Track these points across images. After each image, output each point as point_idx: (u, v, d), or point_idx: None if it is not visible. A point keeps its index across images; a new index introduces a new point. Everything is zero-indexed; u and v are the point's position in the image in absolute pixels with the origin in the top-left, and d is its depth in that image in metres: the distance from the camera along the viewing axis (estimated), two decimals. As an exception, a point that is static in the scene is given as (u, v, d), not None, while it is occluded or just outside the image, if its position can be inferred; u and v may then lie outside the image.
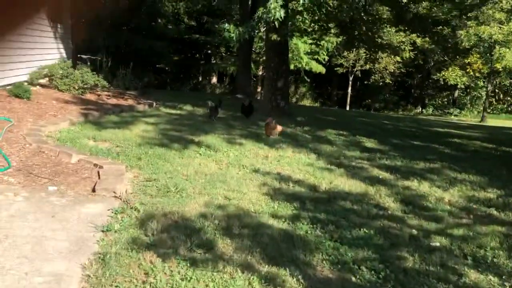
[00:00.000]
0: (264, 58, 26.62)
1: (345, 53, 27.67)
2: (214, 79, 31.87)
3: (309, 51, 26.58)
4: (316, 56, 26.94)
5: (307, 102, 31.62)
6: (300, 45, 26.12)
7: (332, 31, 15.62)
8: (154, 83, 28.44)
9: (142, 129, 8.96)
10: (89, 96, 12.19)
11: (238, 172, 6.54)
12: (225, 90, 30.72)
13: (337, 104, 33.23)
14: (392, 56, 26.47)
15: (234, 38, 9.77)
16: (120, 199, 5.07)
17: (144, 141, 7.87)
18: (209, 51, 30.40)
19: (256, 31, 10.32)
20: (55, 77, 11.89)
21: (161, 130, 9.04)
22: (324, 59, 27.08)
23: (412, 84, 35.26)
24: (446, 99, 34.92)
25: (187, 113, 11.88)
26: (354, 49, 27.48)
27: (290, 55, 26.87)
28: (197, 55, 31.71)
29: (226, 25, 10.38)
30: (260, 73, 28.83)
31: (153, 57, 24.70)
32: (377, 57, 26.73)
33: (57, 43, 13.94)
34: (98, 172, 5.81)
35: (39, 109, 9.51)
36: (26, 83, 11.80)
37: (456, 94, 32.74)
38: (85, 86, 12.14)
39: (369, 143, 9.88)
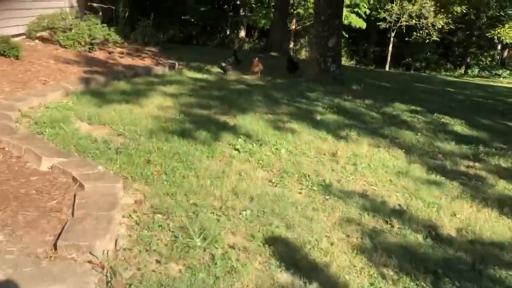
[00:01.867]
0: (298, 10, 23.55)
1: (389, 6, 24.27)
2: (243, 33, 28.82)
3: (348, 2, 23.32)
4: (356, 9, 23.71)
5: (342, 60, 28.50)
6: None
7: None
8: (179, 36, 25.80)
9: (158, 103, 6.44)
10: (98, 53, 9.66)
11: (300, 191, 4.03)
12: (254, 45, 27.74)
13: (374, 62, 30.00)
14: (442, 10, 23.03)
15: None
16: (102, 268, 2.66)
17: (158, 125, 5.38)
18: (238, 2, 27.28)
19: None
20: (56, 30, 9.38)
21: (182, 105, 6.51)
22: (365, 12, 23.84)
23: (453, 41, 31.62)
24: (491, 59, 31.32)
25: (216, 79, 9.25)
26: (399, 2, 24.09)
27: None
28: (225, 6, 28.60)
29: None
30: (293, 27, 25.73)
31: (178, 7, 21.84)
32: (426, 11, 23.36)
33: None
34: (75, 198, 3.38)
35: (26, 73, 7.05)
36: (22, 37, 9.36)
37: (506, 54, 29.20)
38: (93, 41, 9.61)
39: (457, 126, 7.19)
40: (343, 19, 23.97)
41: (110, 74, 8.02)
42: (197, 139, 4.98)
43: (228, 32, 28.92)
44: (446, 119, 7.54)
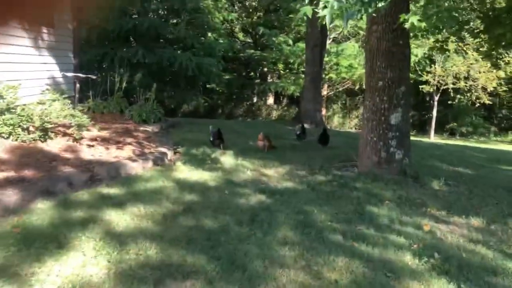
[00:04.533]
0: (330, 75, 20.15)
1: (432, 68, 20.70)
2: (271, 100, 25.67)
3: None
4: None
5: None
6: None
7: (470, 25, 8.96)
8: (203, 106, 22.82)
9: (76, 268, 2.87)
10: (55, 143, 6.26)
11: None
12: (283, 112, 24.51)
13: (413, 128, 26.14)
14: (495, 71, 19.30)
15: (319, 17, 3.61)
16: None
17: None
18: (265, 69, 24.30)
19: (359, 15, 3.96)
20: (-5, 111, 6.11)
21: (123, 274, 2.91)
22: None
23: (495, 103, 27.52)
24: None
25: (220, 179, 5.66)
26: (441, 63, 20.49)
27: (362, 71, 20.36)
28: (252, 73, 25.71)
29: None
30: (325, 92, 22.38)
31: (201, 76, 18.91)
32: (474, 72, 19.67)
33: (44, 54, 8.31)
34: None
35: None
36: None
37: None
38: (49, 125, 6.25)
39: None
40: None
41: (40, 185, 4.54)
42: None
43: (255, 100, 25.84)
44: None
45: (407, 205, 5.00)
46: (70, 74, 8.63)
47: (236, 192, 5.04)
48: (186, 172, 5.83)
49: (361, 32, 20.38)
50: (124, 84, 10.37)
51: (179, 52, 16.98)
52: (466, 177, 7.12)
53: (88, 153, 6.15)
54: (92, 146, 6.51)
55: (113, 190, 4.78)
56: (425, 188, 5.87)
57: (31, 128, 6.18)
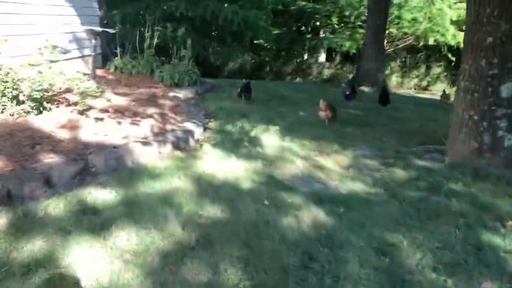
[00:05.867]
0: (390, 29, 17.65)
1: None
2: (323, 57, 23.34)
3: (454, 19, 17.18)
4: (464, 26, 17.45)
5: (441, 86, 22.06)
6: (445, 10, 16.80)
7: None
8: (250, 64, 20.99)
9: None
10: (52, 115, 4.81)
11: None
12: (336, 70, 22.21)
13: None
14: None
15: None
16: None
17: None
18: (318, 23, 21.88)
19: None
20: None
21: None
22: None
23: None
24: None
25: (266, 178, 4.00)
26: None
27: (427, 25, 17.67)
28: (303, 27, 23.35)
29: None
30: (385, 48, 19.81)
31: (248, 31, 16.99)
32: None
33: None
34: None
35: None
36: None
37: None
38: (35, 95, 4.75)
39: None
40: (449, 39, 17.87)
41: (-7, 191, 3.07)
42: None
43: (305, 57, 23.61)
44: None
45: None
46: (97, 29, 7.02)
47: (280, 202, 3.35)
48: (214, 162, 4.19)
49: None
50: (155, 40, 8.73)
51: (225, 4, 15.14)
52: None
53: (91, 130, 4.62)
54: (101, 119, 4.99)
55: (103, 195, 3.24)
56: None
57: (21, 98, 4.72)
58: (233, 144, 4.84)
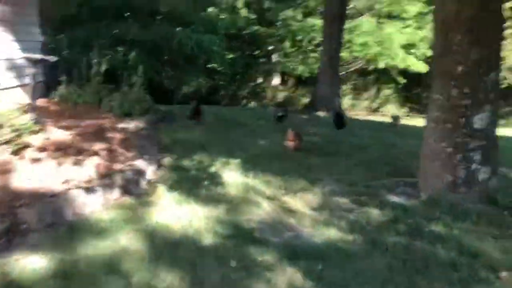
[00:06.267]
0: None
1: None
2: (277, 81, 23.25)
3: (403, 43, 17.54)
4: (413, 50, 17.85)
5: (391, 108, 22.45)
6: (394, 36, 17.10)
7: None
8: (205, 87, 20.48)
9: None
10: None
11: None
12: (290, 93, 22.10)
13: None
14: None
15: None
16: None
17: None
18: (271, 47, 21.82)
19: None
20: None
21: None
22: (424, 54, 17.95)
23: None
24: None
25: (230, 227, 3.49)
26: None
27: (377, 49, 17.94)
28: (256, 52, 23.24)
29: None
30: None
31: (202, 55, 16.51)
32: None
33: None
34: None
35: None
36: None
37: None
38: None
39: None
40: (399, 63, 18.19)
41: None
42: None
43: (260, 80, 23.41)
44: None
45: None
46: (34, 56, 6.31)
47: (249, 261, 2.85)
48: (170, 208, 3.64)
49: (378, 6, 17.91)
50: (104, 66, 8.08)
51: (177, 29, 14.70)
52: None
53: (25, 175, 3.96)
54: (38, 160, 4.32)
55: (34, 263, 2.61)
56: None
57: None
58: (191, 184, 4.31)
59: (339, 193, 4.36)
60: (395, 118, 11.19)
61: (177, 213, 3.55)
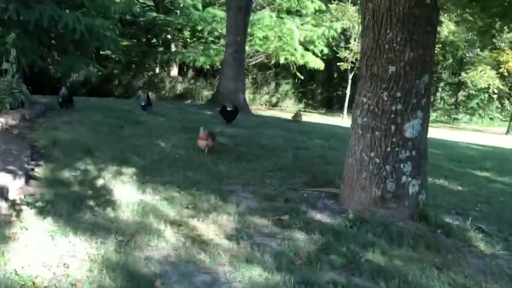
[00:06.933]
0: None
1: (351, 44, 18.72)
2: (175, 71, 21.98)
3: (303, 40, 17.49)
4: (312, 47, 17.89)
5: (289, 103, 22.55)
6: (294, 31, 16.91)
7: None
8: (96, 76, 18.50)
9: None
10: None
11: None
12: (189, 85, 21.02)
13: (322, 106, 24.41)
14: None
15: None
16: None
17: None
18: (169, 36, 20.52)
19: None
20: None
21: None
22: (321, 52, 18.09)
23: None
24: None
25: (121, 277, 2.57)
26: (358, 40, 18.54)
27: (277, 44, 17.70)
28: (154, 40, 21.74)
29: None
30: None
31: (93, 40, 14.73)
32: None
33: None
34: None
35: None
36: None
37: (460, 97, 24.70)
38: None
39: None
40: (298, 59, 18.10)
41: None
42: None
43: (157, 71, 21.96)
44: None
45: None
46: None
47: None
48: (37, 246, 2.60)
49: (278, 1, 17.61)
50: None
51: (66, 11, 12.90)
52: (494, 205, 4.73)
53: None
54: None
55: None
56: (471, 251, 3.32)
57: None
58: (71, 206, 3.27)
59: (257, 211, 3.64)
60: (297, 114, 10.88)
61: (48, 254, 2.53)
